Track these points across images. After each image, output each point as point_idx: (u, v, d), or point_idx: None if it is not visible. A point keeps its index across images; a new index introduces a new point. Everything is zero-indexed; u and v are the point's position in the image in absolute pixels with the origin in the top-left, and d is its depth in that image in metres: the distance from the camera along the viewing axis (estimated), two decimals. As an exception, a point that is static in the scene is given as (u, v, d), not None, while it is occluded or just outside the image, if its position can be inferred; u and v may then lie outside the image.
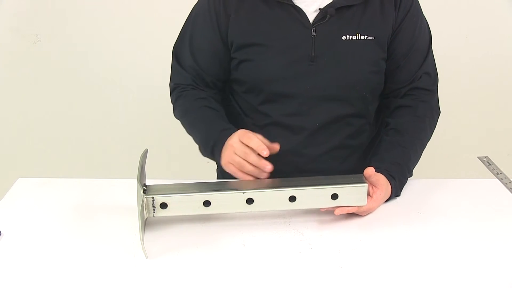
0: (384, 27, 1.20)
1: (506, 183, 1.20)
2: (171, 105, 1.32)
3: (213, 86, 1.29)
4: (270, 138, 1.08)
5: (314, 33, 1.17)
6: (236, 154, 1.08)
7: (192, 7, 1.28)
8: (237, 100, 1.30)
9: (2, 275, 0.91)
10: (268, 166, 1.05)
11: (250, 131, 1.09)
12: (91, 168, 2.38)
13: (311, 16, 1.18)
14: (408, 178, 1.18)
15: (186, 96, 1.26)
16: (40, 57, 2.22)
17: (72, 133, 2.35)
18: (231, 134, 1.11)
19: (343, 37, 1.17)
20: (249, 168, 1.06)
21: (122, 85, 2.28)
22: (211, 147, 1.17)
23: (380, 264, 0.93)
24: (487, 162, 1.29)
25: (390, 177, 1.10)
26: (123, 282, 0.89)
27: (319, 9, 1.17)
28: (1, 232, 1.03)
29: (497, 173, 1.24)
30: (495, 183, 1.20)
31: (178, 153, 2.27)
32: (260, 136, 1.07)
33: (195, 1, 1.28)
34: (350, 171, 1.08)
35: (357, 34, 1.18)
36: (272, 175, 1.08)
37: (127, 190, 1.19)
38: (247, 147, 1.06)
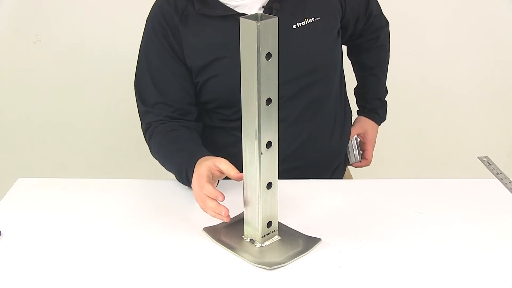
0: (326, 3, 1.24)
1: (506, 183, 1.20)
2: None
3: (187, 113, 1.26)
4: None
5: None
6: (196, 196, 1.04)
7: (141, 43, 1.27)
8: (211, 116, 1.29)
9: (2, 275, 0.91)
10: (224, 212, 0.98)
11: (208, 170, 1.03)
12: (91, 168, 2.37)
13: None
14: (408, 178, 1.24)
15: (157, 133, 1.22)
16: (40, 57, 2.22)
17: (72, 133, 2.35)
18: (197, 163, 1.08)
19: (294, 26, 1.20)
20: (210, 212, 1.02)
21: (122, 85, 2.27)
22: (185, 177, 1.12)
23: (380, 264, 0.93)
24: (487, 162, 1.29)
25: (374, 113, 1.46)
26: (123, 282, 0.89)
27: (263, 7, 1.19)
28: (1, 232, 1.03)
29: (497, 173, 1.24)
30: (495, 183, 1.20)
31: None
32: (223, 165, 1.01)
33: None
34: (336, 149, 1.33)
35: (305, 19, 1.21)
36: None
37: (127, 190, 1.19)
38: (203, 194, 1.01)
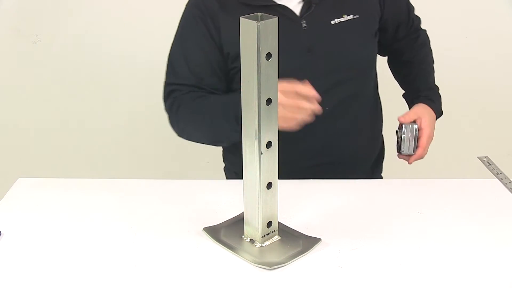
0: (365, 2, 1.26)
1: (506, 183, 1.19)
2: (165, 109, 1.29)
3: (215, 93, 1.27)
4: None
5: (305, 25, 1.20)
6: (285, 109, 1.03)
7: (177, 27, 1.28)
8: None
9: (2, 275, 0.91)
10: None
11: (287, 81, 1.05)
12: (91, 168, 2.38)
13: (296, 9, 1.22)
14: (408, 178, 1.24)
15: (184, 100, 1.22)
16: (40, 57, 2.22)
17: (72, 133, 2.35)
18: None
19: (332, 22, 1.22)
20: (303, 113, 1.04)
21: (122, 85, 2.28)
22: (234, 114, 1.09)
23: (380, 264, 0.93)
24: (487, 162, 1.29)
25: (430, 101, 1.31)
26: (123, 282, 0.89)
27: (302, 0, 1.21)
28: (1, 232, 1.03)
29: (497, 173, 1.24)
30: (495, 183, 1.20)
31: (177, 153, 2.27)
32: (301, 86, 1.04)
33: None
34: (365, 149, 1.29)
35: (344, 16, 1.22)
36: (288, 163, 1.09)
37: (127, 190, 1.19)
38: (296, 96, 1.02)
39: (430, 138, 1.27)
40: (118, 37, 2.20)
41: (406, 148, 1.25)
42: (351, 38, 1.24)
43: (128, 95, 2.30)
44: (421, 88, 1.37)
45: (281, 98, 1.01)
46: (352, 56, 1.25)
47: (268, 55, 0.85)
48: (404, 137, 1.25)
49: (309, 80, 1.21)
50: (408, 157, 1.27)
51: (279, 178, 1.15)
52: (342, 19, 1.22)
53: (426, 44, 1.43)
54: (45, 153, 2.38)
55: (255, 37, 0.83)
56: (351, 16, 1.23)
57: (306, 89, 1.03)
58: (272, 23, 0.84)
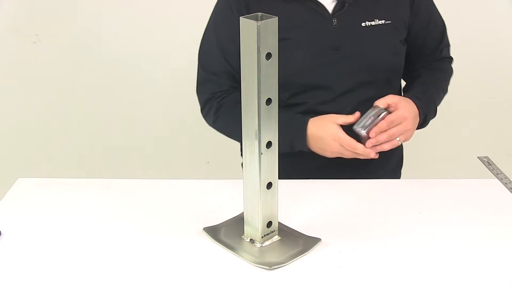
0: (398, 9, 1.26)
1: (506, 183, 1.19)
2: (192, 112, 1.31)
3: None
4: None
5: (335, 23, 1.21)
6: (344, 154, 1.17)
7: (210, 16, 1.29)
8: None
9: (2, 275, 0.91)
10: (372, 154, 1.15)
11: (340, 129, 1.16)
12: (91, 168, 2.38)
13: (330, 7, 1.23)
14: (408, 178, 1.25)
15: (228, 103, 1.25)
16: (40, 57, 2.22)
17: (72, 133, 2.35)
18: (314, 125, 1.18)
19: (363, 24, 1.22)
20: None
21: (123, 84, 2.28)
22: (290, 143, 1.20)
23: (380, 264, 0.93)
24: (487, 162, 1.29)
25: (416, 98, 1.22)
26: (123, 282, 0.89)
27: None
28: (1, 232, 1.03)
29: (497, 173, 1.24)
30: (495, 183, 1.20)
31: (177, 153, 2.27)
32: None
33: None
34: (383, 154, 1.20)
35: (375, 20, 1.23)
36: (306, 159, 1.15)
37: (127, 190, 1.19)
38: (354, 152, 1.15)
39: (402, 119, 1.15)
40: (118, 37, 2.21)
41: (361, 122, 1.15)
42: (380, 43, 1.24)
43: (129, 95, 2.30)
44: (415, 90, 1.29)
45: (342, 151, 1.16)
46: (379, 60, 1.25)
47: (268, 55, 0.85)
48: (364, 113, 1.16)
49: (332, 79, 1.23)
50: (364, 140, 1.16)
51: (295, 177, 1.16)
52: (373, 23, 1.22)
53: (446, 72, 1.38)
54: (45, 153, 2.38)
55: (255, 37, 0.83)
56: (383, 21, 1.23)
57: (366, 152, 1.14)
58: (272, 23, 0.84)
